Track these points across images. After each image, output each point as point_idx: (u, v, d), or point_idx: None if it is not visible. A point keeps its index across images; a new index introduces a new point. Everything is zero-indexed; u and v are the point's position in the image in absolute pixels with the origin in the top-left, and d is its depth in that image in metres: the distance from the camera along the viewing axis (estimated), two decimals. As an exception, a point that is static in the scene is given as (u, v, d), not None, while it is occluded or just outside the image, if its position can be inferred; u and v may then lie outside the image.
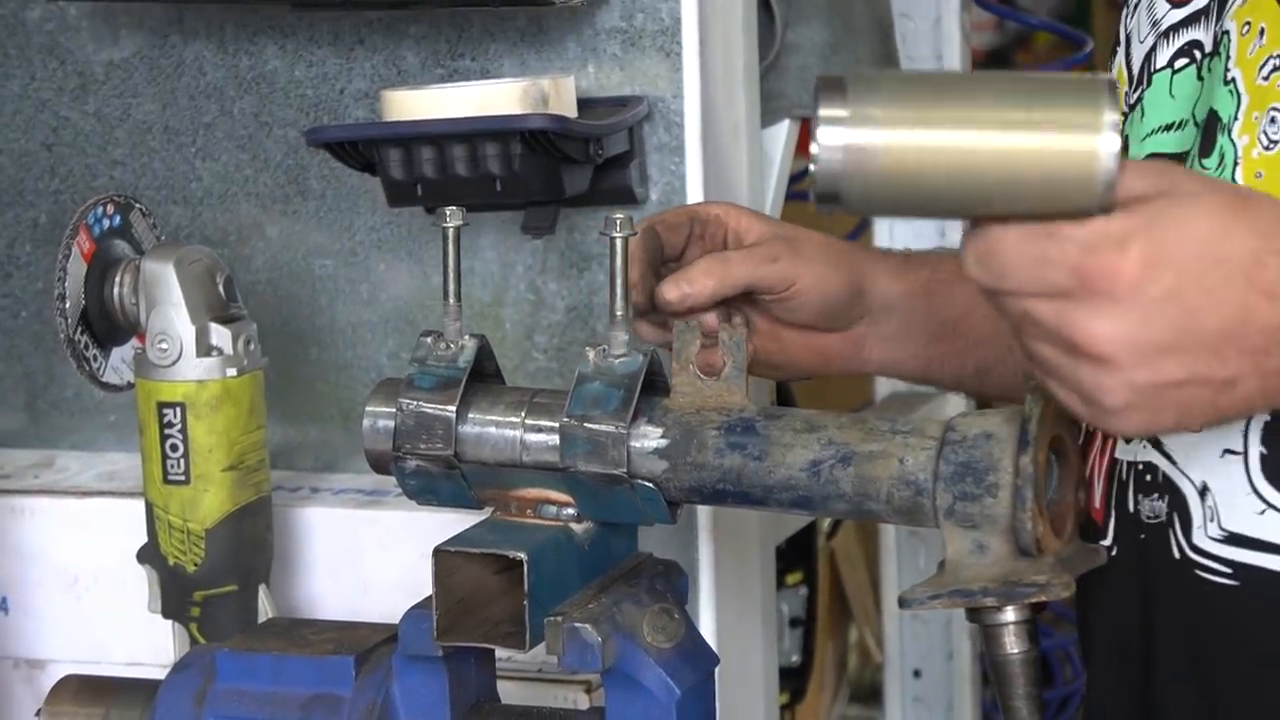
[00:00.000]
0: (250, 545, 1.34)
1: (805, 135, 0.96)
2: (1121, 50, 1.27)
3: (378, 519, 1.43)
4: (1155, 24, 1.22)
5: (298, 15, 1.44)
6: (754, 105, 1.53)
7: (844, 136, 0.93)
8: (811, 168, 0.97)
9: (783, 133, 1.65)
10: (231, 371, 1.30)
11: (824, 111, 0.93)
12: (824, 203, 0.95)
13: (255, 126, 1.51)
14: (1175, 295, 0.94)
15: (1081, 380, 0.97)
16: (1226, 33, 1.14)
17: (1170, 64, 1.19)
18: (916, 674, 2.22)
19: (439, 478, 1.14)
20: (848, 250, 1.38)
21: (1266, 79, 1.08)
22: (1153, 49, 1.21)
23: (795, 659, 2.09)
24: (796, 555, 2.11)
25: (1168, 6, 1.23)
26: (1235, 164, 1.12)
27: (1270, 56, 1.08)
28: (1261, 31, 1.09)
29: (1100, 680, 1.24)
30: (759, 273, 1.27)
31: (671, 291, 1.17)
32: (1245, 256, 0.95)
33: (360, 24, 1.46)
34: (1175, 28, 1.20)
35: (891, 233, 2.16)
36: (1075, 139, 0.93)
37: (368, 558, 1.43)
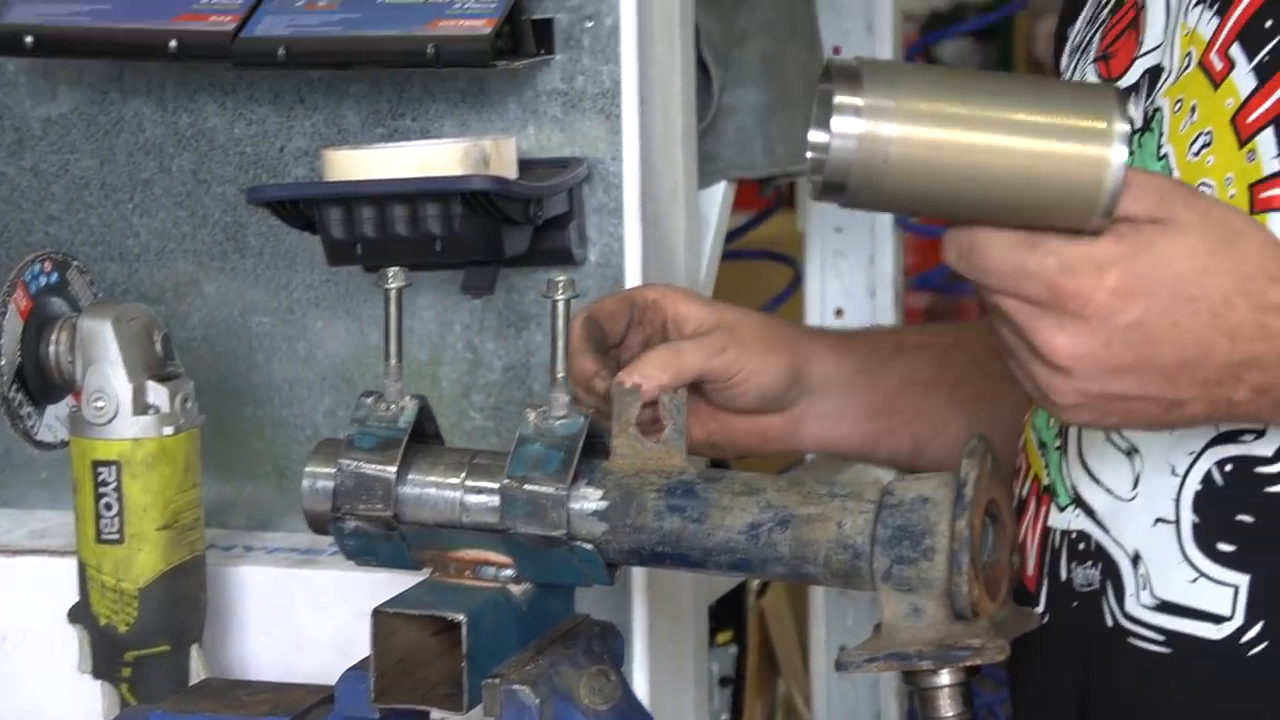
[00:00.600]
0: (183, 605, 1.32)
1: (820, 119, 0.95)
2: None
3: (312, 578, 1.42)
4: None
5: (238, 74, 1.44)
6: (691, 167, 1.53)
7: (859, 125, 0.93)
8: (810, 154, 0.98)
9: (719, 194, 1.66)
10: (168, 430, 1.29)
11: (840, 99, 0.94)
12: (828, 193, 0.96)
13: (194, 184, 1.51)
14: (1141, 325, 0.97)
15: (1037, 376, 1.00)
16: (1158, 110, 1.16)
17: None
18: (846, 733, 2.25)
19: (378, 538, 1.14)
20: (786, 331, 1.38)
21: (1196, 155, 1.10)
22: None
23: (725, 718, 2.08)
24: (727, 614, 2.11)
25: (1098, 79, 1.24)
26: None
27: (1200, 133, 1.10)
28: (1193, 109, 1.11)
29: None
30: (710, 365, 1.27)
31: (627, 385, 1.17)
32: (1216, 297, 0.97)
33: (301, 83, 1.47)
34: None
35: (824, 291, 2.19)
36: (1086, 149, 0.94)
37: (302, 617, 1.41)
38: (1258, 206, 1.07)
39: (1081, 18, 1.29)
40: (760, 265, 2.21)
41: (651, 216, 1.43)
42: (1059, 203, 0.96)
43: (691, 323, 1.28)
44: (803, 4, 1.78)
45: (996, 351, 1.05)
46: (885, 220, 2.17)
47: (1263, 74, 1.08)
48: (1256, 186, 1.08)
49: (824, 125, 0.96)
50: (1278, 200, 1.07)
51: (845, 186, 0.95)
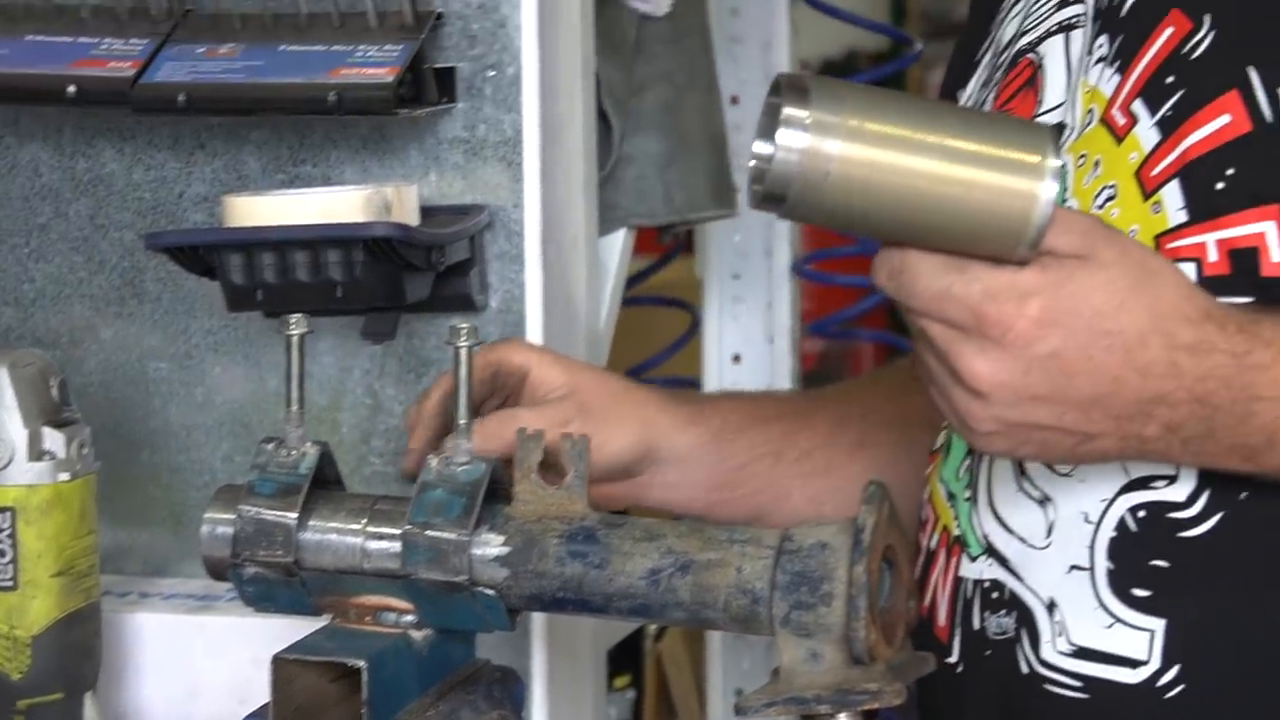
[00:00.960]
0: (78, 652, 1.30)
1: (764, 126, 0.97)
2: None
3: (208, 624, 1.41)
4: None
5: (137, 119, 1.43)
6: (592, 215, 1.54)
7: (803, 140, 0.95)
8: (753, 164, 0.99)
9: (619, 241, 1.67)
10: (64, 476, 1.28)
11: (788, 112, 0.95)
12: (767, 203, 0.98)
13: (91, 229, 1.50)
14: (1058, 356, 0.99)
15: (955, 401, 1.02)
16: (1063, 165, 1.16)
17: None
18: (737, 773, 2.23)
19: (278, 585, 1.14)
20: (641, 402, 1.38)
21: (1101, 208, 1.12)
22: None
23: None
24: (624, 658, 2.13)
25: None
26: None
27: (1105, 187, 1.12)
28: (1096, 164, 1.13)
29: None
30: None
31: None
32: (1131, 334, 1.00)
33: (201, 129, 1.46)
34: None
35: (721, 337, 2.20)
36: (1018, 182, 0.96)
37: (198, 664, 1.40)
38: (1164, 257, 1.09)
39: (975, 80, 1.31)
40: (659, 311, 2.22)
41: (552, 263, 1.44)
42: (988, 232, 0.97)
43: (544, 389, 1.28)
44: (701, 54, 1.78)
45: (905, 389, 1.07)
46: (783, 267, 2.19)
47: (1166, 128, 1.10)
48: (1162, 238, 1.10)
49: (769, 137, 0.97)
50: (1184, 251, 1.09)
51: (785, 198, 0.97)
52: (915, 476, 1.40)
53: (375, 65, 1.37)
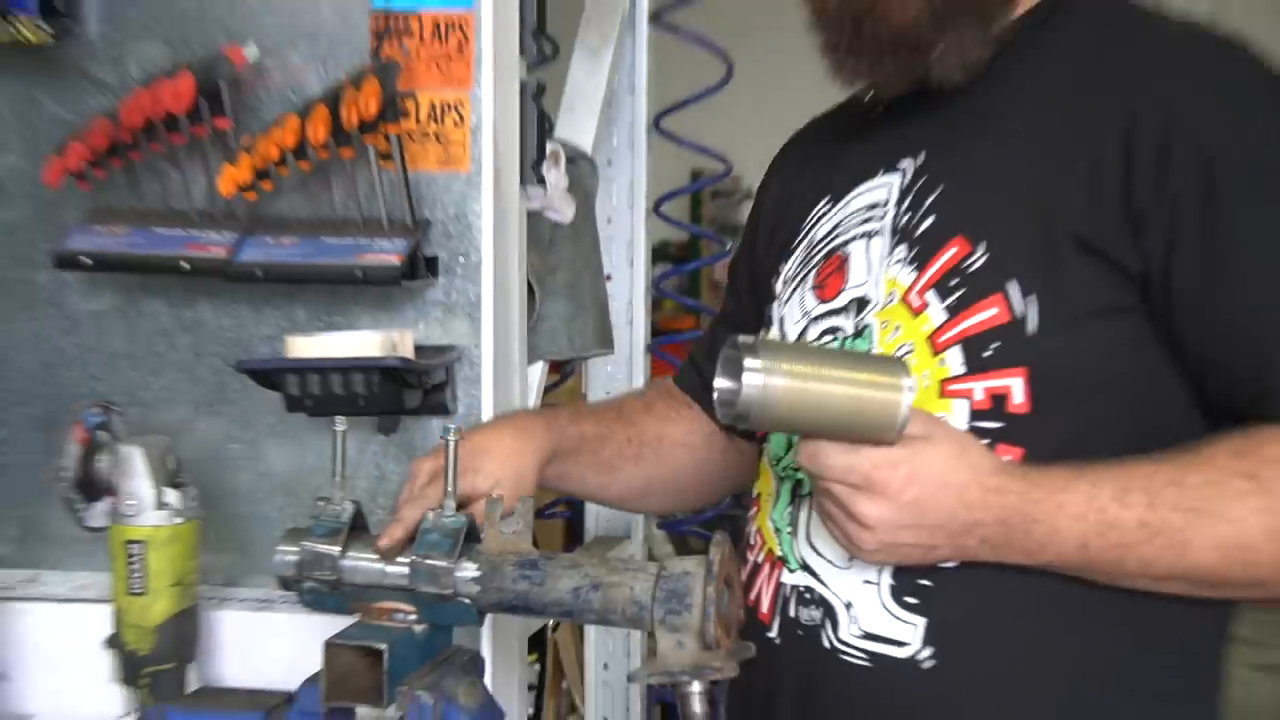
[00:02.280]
0: (184, 637, 1.31)
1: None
2: (776, 329, 1.27)
3: (268, 619, 1.41)
4: (806, 313, 1.22)
5: (227, 284, 1.44)
6: (523, 353, 1.57)
7: (760, 379, 0.97)
8: (719, 395, 1.03)
9: (539, 369, 1.69)
10: (177, 520, 1.29)
11: (749, 362, 0.98)
12: (738, 421, 1.00)
13: (192, 356, 1.50)
14: (917, 501, 1.02)
15: (850, 532, 1.04)
16: (868, 325, 1.16)
17: (819, 338, 1.21)
18: (606, 720, 2.24)
19: (325, 595, 1.16)
20: (535, 430, 1.29)
21: (902, 358, 1.12)
22: (804, 330, 1.22)
23: (530, 711, 2.10)
24: (533, 643, 2.10)
25: (815, 300, 1.22)
26: None
27: (903, 344, 1.12)
28: (897, 327, 1.13)
29: None
30: (469, 488, 1.19)
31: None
32: (959, 483, 1.03)
33: (269, 291, 1.47)
34: (822, 315, 1.20)
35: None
36: (890, 395, 0.99)
37: (260, 645, 1.39)
38: (945, 394, 1.09)
39: (793, 260, 1.28)
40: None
41: (499, 383, 1.45)
42: (872, 427, 1.01)
43: (466, 459, 1.19)
44: (592, 247, 1.81)
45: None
46: (639, 384, 2.22)
47: (951, 311, 1.10)
48: (945, 382, 1.10)
49: (733, 377, 1.00)
50: (960, 392, 1.09)
51: (749, 416, 1.00)
52: (668, 477, 1.41)
53: (387, 253, 1.39)
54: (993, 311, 1.08)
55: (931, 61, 1.13)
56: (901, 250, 1.15)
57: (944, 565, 1.09)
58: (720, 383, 1.03)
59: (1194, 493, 1.00)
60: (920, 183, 1.17)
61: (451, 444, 1.13)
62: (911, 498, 1.02)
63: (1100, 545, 1.02)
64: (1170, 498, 1.01)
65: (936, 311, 1.11)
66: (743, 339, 1.00)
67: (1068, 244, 1.06)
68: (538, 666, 2.25)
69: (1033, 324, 1.06)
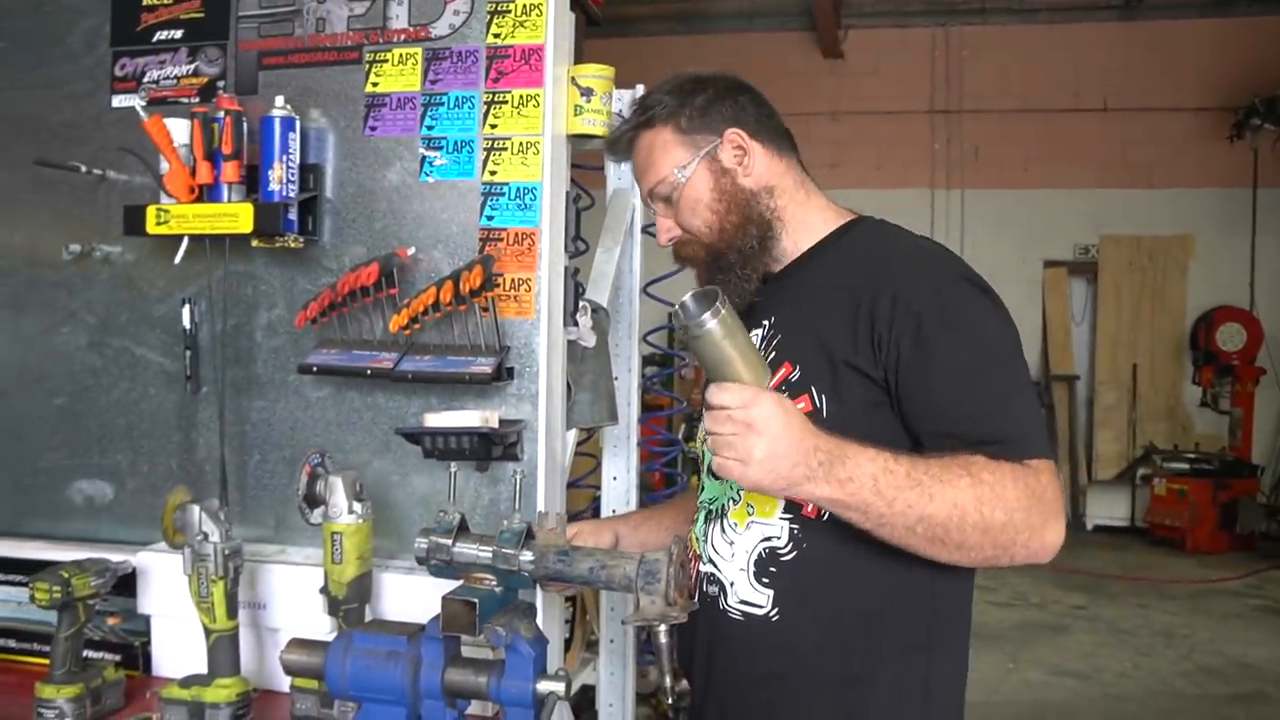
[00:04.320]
0: (364, 588, 1.29)
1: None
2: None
3: (410, 580, 1.37)
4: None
5: (390, 383, 1.42)
6: (563, 423, 1.54)
7: (709, 317, 0.92)
8: (679, 307, 0.93)
9: (572, 435, 1.64)
10: (362, 521, 1.28)
11: (717, 306, 0.91)
12: (679, 331, 0.92)
13: (371, 423, 1.48)
14: (781, 419, 0.94)
15: (738, 448, 0.94)
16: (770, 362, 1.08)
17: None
18: (611, 641, 2.13)
19: (443, 568, 1.13)
20: (609, 524, 1.29)
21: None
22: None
23: (566, 636, 2.04)
24: (567, 598, 2.04)
25: None
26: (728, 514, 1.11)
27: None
28: None
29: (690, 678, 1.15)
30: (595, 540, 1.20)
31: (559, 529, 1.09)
32: (799, 419, 0.95)
33: (416, 387, 1.45)
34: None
35: (607, 467, 2.10)
36: (758, 361, 0.94)
37: (405, 596, 1.36)
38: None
39: None
40: (584, 460, 2.18)
41: (549, 445, 1.43)
42: (757, 378, 0.96)
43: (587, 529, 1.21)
44: (606, 361, 1.76)
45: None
46: (633, 443, 2.14)
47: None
48: None
49: (698, 304, 0.93)
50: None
51: (700, 338, 0.93)
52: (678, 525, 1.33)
53: (483, 366, 1.38)
54: (803, 404, 1.04)
55: (731, 280, 1.11)
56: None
57: (784, 558, 1.05)
58: (687, 300, 0.94)
59: (934, 470, 0.95)
60: (772, 332, 1.13)
61: (518, 481, 1.14)
62: (779, 420, 0.93)
63: (885, 483, 0.93)
64: (921, 467, 0.95)
65: None
66: (723, 294, 0.92)
67: (842, 366, 1.03)
68: (570, 608, 2.13)
69: (826, 411, 1.03)
